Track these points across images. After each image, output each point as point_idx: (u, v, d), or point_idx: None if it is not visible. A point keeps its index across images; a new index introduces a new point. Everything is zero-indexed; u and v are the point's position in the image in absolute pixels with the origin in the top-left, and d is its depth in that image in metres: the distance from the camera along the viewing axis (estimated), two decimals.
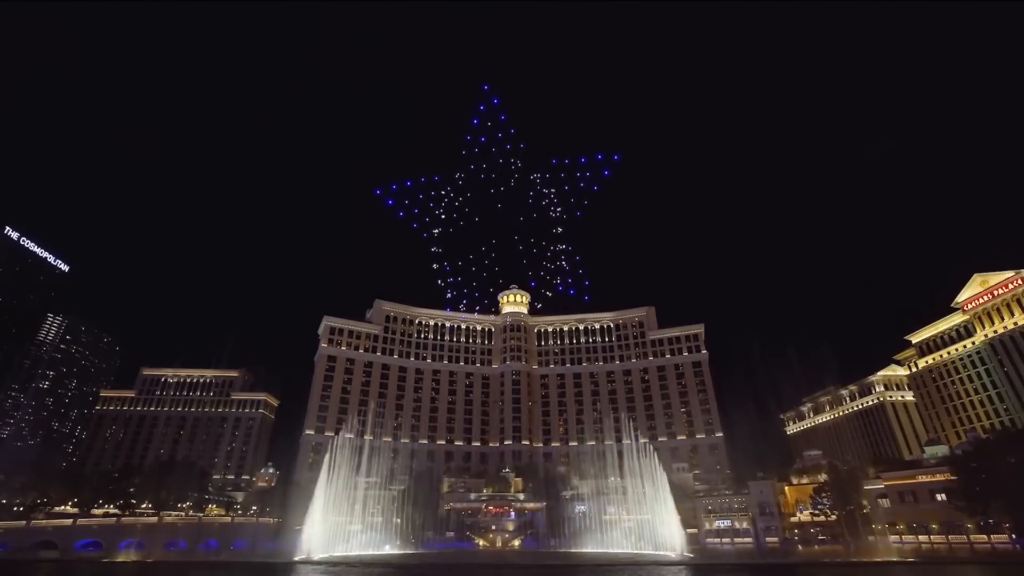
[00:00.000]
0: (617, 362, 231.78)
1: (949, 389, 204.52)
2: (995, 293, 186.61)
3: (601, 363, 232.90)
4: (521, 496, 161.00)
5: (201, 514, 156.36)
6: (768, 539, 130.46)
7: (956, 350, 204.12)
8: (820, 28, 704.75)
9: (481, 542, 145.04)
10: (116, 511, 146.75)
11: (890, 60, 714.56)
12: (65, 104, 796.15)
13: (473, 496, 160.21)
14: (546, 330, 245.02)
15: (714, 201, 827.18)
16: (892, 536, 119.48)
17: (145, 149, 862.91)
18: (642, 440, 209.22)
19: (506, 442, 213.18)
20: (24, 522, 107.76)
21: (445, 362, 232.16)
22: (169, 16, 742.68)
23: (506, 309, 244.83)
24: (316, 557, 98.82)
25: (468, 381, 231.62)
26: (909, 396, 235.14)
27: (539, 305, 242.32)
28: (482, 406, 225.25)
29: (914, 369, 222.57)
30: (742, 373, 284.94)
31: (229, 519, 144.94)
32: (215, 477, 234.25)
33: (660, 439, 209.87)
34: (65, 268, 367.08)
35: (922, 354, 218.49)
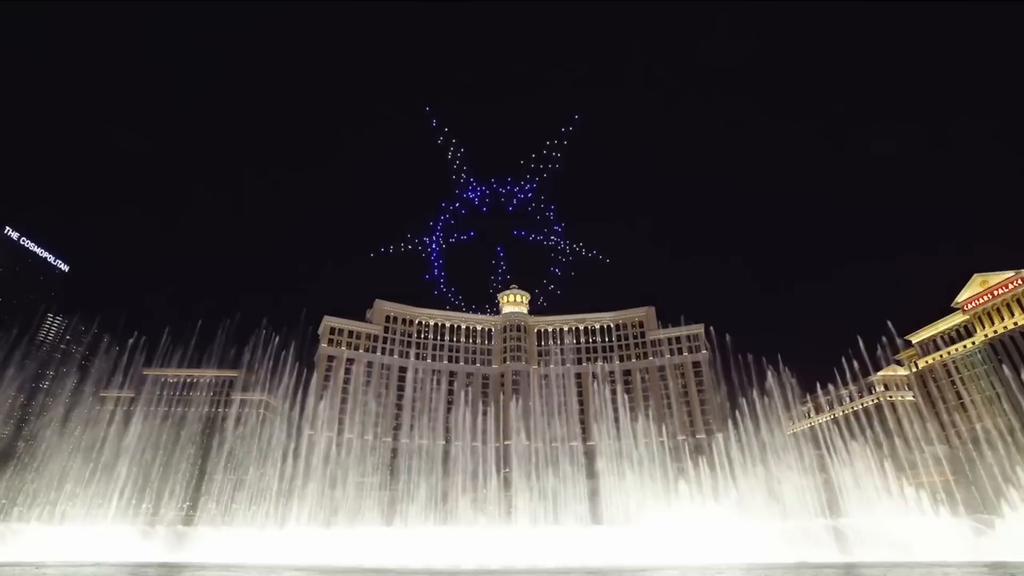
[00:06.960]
0: (617, 362, 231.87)
1: (949, 389, 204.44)
2: (995, 293, 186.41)
3: (601, 363, 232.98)
4: None
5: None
6: None
7: (956, 350, 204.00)
8: (832, 26, 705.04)
9: None
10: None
11: (893, 58, 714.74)
12: (66, 104, 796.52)
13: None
14: (546, 330, 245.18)
15: (714, 201, 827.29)
16: None
17: (146, 149, 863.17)
18: (642, 440, 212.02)
19: (506, 442, 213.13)
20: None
21: (445, 362, 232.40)
22: (169, 16, 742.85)
23: (506, 309, 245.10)
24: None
25: (468, 381, 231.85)
26: (909, 396, 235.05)
27: (543, 303, 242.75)
28: (482, 406, 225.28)
29: (915, 369, 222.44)
30: (742, 373, 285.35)
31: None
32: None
33: (660, 439, 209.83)
34: (65, 268, 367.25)
35: (923, 354, 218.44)
